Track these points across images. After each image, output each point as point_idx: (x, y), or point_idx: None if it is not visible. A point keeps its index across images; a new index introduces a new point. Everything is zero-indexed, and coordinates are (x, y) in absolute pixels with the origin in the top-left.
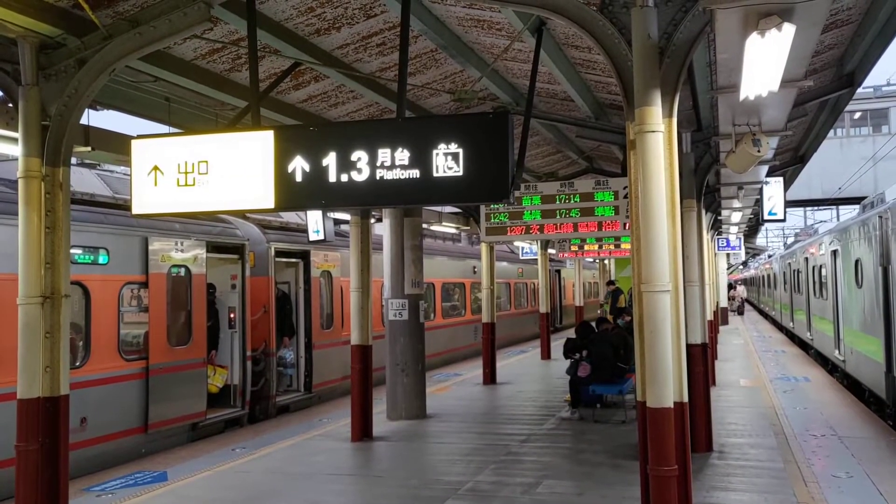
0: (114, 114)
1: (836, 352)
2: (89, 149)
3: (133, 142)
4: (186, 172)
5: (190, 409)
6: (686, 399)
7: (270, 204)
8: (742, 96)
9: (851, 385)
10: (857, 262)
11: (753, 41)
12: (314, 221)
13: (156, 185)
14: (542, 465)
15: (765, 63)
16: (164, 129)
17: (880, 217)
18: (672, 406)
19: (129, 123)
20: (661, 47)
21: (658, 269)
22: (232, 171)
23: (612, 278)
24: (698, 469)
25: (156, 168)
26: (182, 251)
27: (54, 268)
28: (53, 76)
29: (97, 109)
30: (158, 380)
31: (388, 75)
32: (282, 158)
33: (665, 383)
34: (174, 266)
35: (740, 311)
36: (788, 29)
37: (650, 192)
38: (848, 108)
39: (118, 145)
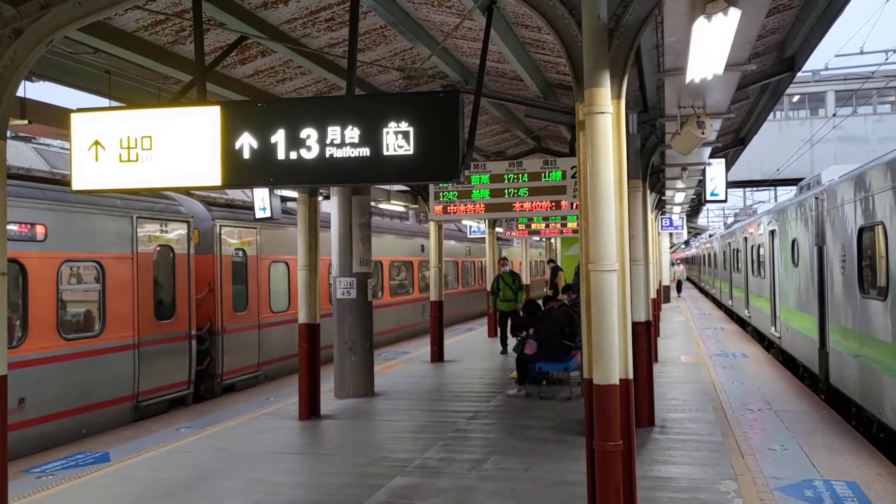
0: (50, 86)
1: (773, 329)
2: (26, 122)
3: (73, 115)
4: (129, 148)
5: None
6: (631, 376)
7: (217, 181)
8: (688, 79)
9: (786, 361)
10: (793, 241)
11: (700, 25)
12: (261, 199)
13: (97, 160)
14: (489, 441)
15: (711, 46)
16: (105, 102)
17: (816, 198)
18: (618, 383)
19: (67, 96)
20: (611, 29)
21: (606, 248)
22: (177, 146)
23: (553, 257)
24: (641, 443)
25: (97, 143)
26: (167, 231)
27: None
28: None
29: (33, 81)
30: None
31: (337, 51)
32: (229, 135)
33: (611, 361)
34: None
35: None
36: (734, 13)
37: (599, 172)
38: (787, 91)
39: (56, 119)
